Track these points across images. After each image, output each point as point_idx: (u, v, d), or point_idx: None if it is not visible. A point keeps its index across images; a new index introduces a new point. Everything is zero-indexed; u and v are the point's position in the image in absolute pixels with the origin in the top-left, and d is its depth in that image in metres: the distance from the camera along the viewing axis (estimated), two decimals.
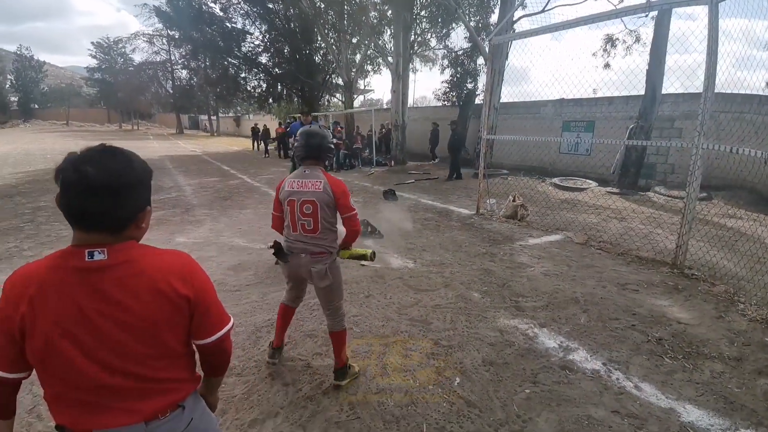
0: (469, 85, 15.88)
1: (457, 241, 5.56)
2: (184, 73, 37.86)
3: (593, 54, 12.13)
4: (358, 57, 21.15)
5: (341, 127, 16.16)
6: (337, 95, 25.52)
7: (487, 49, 7.91)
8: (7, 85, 54.45)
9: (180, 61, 35.23)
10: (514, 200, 6.86)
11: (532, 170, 12.16)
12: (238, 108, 39.82)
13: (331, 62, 22.04)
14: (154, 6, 24.69)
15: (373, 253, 2.47)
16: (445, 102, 16.91)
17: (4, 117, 49.55)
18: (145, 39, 40.02)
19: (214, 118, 43.21)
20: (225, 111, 42.80)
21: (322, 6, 17.57)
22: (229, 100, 29.48)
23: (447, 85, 16.66)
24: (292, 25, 22.04)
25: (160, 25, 31.22)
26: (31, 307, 0.91)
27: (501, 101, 12.69)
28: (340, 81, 21.99)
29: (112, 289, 0.93)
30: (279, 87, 24.78)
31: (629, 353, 2.82)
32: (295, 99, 25.72)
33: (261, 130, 20.68)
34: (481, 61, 14.85)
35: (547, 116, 13.01)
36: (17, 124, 48.35)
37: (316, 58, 23.12)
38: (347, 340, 2.56)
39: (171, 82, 41.94)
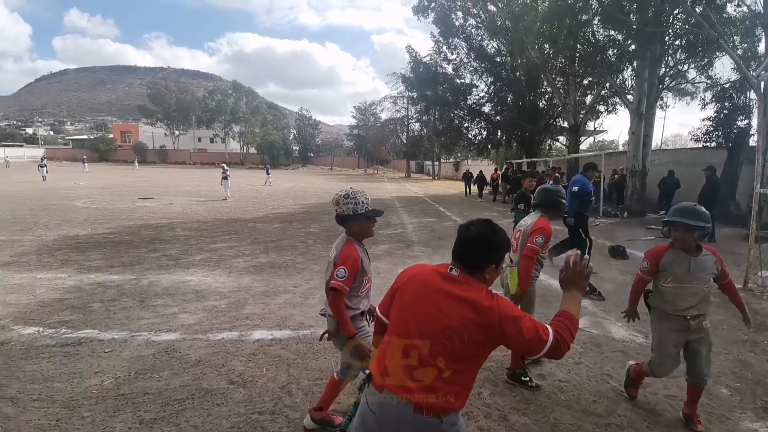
0: (741, 123, 12.46)
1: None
2: (416, 126, 43.70)
3: None
4: (588, 98, 19.75)
5: (560, 173, 15.19)
6: (560, 139, 24.29)
7: (756, 84, 6.03)
8: (291, 137, 74.14)
9: (414, 116, 40.95)
10: None
11: None
12: (458, 154, 42.73)
13: (556, 106, 21.34)
14: (400, 74, 29.74)
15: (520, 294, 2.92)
16: (707, 143, 13.70)
17: (288, 161, 67.82)
18: (390, 100, 48.76)
19: (436, 163, 47.69)
20: (446, 157, 46.74)
21: (551, 52, 17.33)
22: (451, 148, 32.11)
23: (710, 123, 13.52)
24: (517, 74, 22.61)
25: (402, 88, 37.32)
26: (404, 281, 1.48)
27: None
28: (564, 124, 20.97)
29: (451, 293, 1.35)
30: (499, 134, 25.53)
31: None
32: (514, 144, 25.86)
33: (475, 176, 21.51)
34: (753, 95, 11.53)
35: None
36: (297, 167, 65.42)
37: (540, 104, 22.84)
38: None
39: (405, 134, 49.10)
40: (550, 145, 26.73)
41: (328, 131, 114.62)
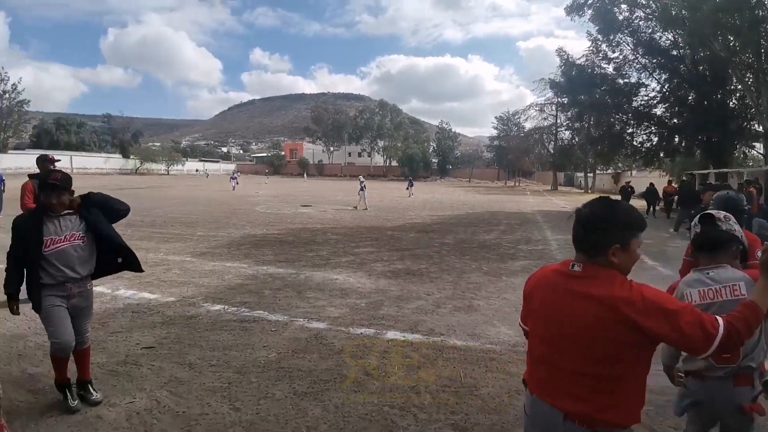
0: None
1: None
2: (566, 134, 40.19)
3: None
4: None
5: (756, 187, 12.00)
6: (756, 146, 19.32)
7: None
8: (430, 150, 75.75)
9: (564, 124, 37.77)
10: None
11: None
12: (619, 164, 37.59)
13: (748, 107, 17.11)
14: (549, 79, 27.93)
15: None
16: None
17: (427, 173, 69.31)
18: (536, 108, 45.89)
19: (590, 174, 42.79)
20: (602, 168, 41.52)
21: (737, 45, 14.11)
22: (609, 157, 28.45)
23: None
24: (700, 68, 18.90)
25: (551, 94, 34.87)
26: (530, 288, 1.42)
27: None
28: (760, 128, 16.63)
29: (577, 291, 1.25)
30: (675, 139, 21.56)
31: None
32: (697, 152, 21.50)
33: (645, 189, 18.37)
34: None
35: None
36: (435, 179, 66.46)
37: (730, 103, 18.60)
38: None
39: (553, 143, 45.52)
40: (745, 152, 21.47)
41: (467, 143, 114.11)
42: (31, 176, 4.24)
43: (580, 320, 1.20)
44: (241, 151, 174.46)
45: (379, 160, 77.36)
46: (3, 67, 49.86)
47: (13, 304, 2.53)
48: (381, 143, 75.26)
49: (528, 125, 51.95)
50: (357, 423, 2.56)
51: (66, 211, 2.54)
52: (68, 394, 2.60)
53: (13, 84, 49.57)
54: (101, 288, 5.20)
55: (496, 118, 60.88)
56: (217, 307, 4.69)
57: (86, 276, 2.62)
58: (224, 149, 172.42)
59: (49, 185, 2.49)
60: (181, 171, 63.62)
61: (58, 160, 4.63)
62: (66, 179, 2.53)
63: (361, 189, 17.97)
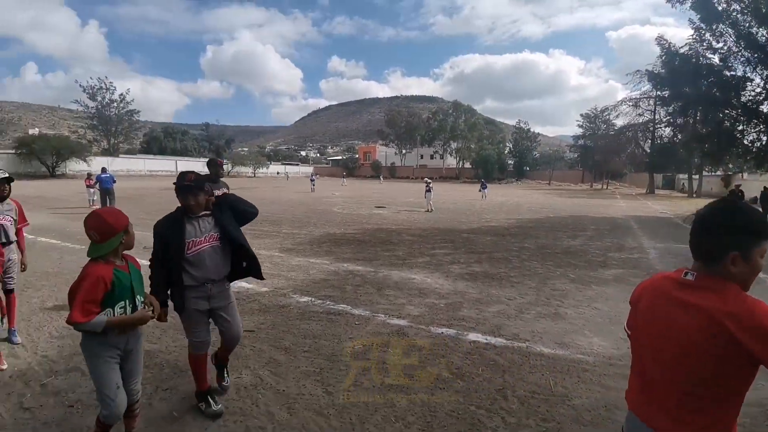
0: None
1: None
2: (666, 132, 36.12)
3: None
4: None
5: None
6: None
7: None
8: (506, 151, 72.61)
9: (664, 120, 33.99)
10: None
11: None
12: (730, 165, 32.90)
13: None
14: (646, 71, 25.32)
15: None
16: None
17: (502, 175, 66.57)
18: (630, 104, 41.92)
19: (695, 177, 37.97)
20: (710, 169, 36.57)
21: None
22: (719, 157, 24.99)
23: None
24: None
25: (648, 87, 31.59)
26: (638, 294, 1.33)
27: None
28: None
29: (684, 301, 1.16)
30: None
31: None
32: None
33: (760, 194, 16.01)
34: None
35: None
36: (511, 182, 63.72)
37: None
38: None
39: (650, 142, 41.18)
40: None
41: (547, 143, 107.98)
42: None
43: (681, 331, 1.13)
44: (318, 155, 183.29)
45: (451, 162, 76.41)
46: (106, 77, 55.60)
47: (162, 312, 2.45)
48: (454, 145, 74.26)
49: (619, 122, 47.55)
50: (444, 419, 2.58)
51: (203, 212, 2.56)
52: (210, 400, 2.60)
53: (121, 94, 55.84)
54: None
55: (581, 115, 56.63)
56: (305, 299, 5.00)
57: (225, 276, 2.65)
58: (303, 153, 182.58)
59: (184, 187, 2.47)
60: (265, 173, 68.72)
61: (226, 163, 5.03)
62: (199, 180, 2.53)
63: (428, 191, 18.15)
